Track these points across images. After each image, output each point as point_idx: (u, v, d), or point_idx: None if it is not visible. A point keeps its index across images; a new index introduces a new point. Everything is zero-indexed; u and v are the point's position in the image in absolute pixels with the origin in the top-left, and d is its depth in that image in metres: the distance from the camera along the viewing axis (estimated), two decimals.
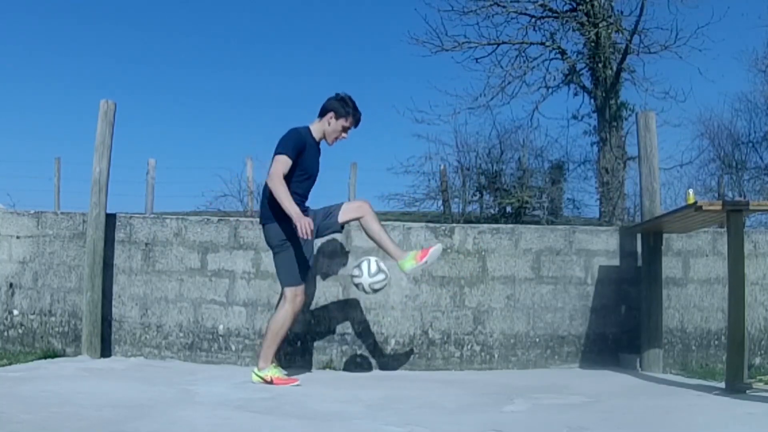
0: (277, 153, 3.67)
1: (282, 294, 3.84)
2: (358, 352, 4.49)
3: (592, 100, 12.98)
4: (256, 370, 3.75)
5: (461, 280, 4.54)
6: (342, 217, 3.84)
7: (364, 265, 3.69)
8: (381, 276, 3.67)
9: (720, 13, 17.69)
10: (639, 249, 4.53)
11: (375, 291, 3.75)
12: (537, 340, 4.54)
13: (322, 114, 3.92)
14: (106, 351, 4.48)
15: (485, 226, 4.79)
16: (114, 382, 3.63)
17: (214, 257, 4.57)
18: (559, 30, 12.91)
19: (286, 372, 3.84)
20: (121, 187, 10.77)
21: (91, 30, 31.45)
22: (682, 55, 11.98)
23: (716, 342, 4.58)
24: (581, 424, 2.72)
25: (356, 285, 3.75)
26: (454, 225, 4.79)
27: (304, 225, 3.50)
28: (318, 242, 4.56)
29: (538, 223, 10.64)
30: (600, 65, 12.58)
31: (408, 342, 4.48)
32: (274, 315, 3.85)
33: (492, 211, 12.26)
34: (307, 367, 4.43)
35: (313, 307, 4.49)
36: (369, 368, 4.46)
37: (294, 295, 3.73)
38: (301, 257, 3.79)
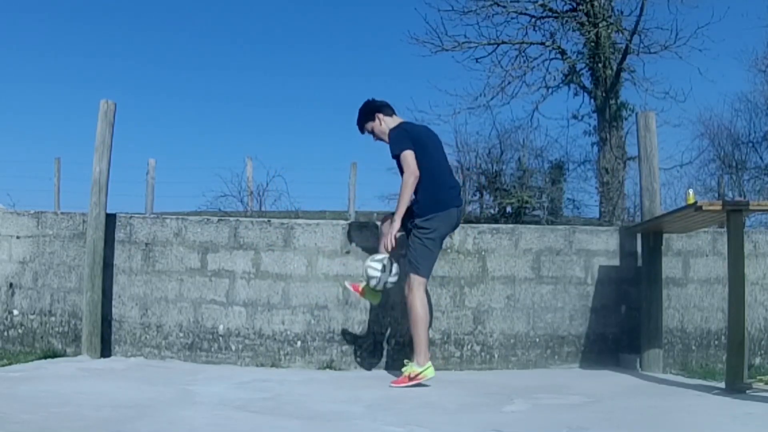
0: (394, 156, 3.91)
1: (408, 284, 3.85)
2: (358, 352, 4.49)
3: (592, 100, 12.99)
4: (415, 366, 3.74)
5: (461, 280, 4.54)
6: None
7: (387, 263, 3.89)
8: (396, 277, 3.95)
9: (720, 13, 17.79)
10: (639, 249, 4.53)
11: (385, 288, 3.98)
12: (537, 340, 4.54)
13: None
14: (106, 351, 4.48)
15: (485, 226, 4.78)
16: (114, 382, 3.63)
17: (214, 257, 4.57)
18: (559, 30, 12.94)
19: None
20: (121, 187, 10.77)
21: (91, 30, 31.47)
22: (682, 55, 12.02)
23: (716, 342, 4.58)
24: (581, 424, 2.72)
25: (370, 278, 3.91)
26: None
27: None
28: (318, 242, 4.56)
29: (538, 223, 10.65)
30: (600, 65, 12.59)
31: (408, 342, 4.46)
32: (411, 310, 3.81)
33: (492, 211, 12.27)
34: (307, 367, 4.43)
35: (313, 307, 4.49)
36: (369, 368, 4.45)
37: (420, 283, 3.80)
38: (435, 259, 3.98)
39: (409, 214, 3.86)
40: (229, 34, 33.47)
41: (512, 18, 12.65)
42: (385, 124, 4.01)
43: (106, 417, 2.71)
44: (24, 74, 30.78)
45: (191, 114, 31.60)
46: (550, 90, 13.04)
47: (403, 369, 3.79)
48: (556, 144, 13.31)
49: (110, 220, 4.56)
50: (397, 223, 3.80)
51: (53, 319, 4.62)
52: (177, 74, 32.31)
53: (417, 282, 3.79)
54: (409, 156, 3.77)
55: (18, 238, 4.70)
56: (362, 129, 4.10)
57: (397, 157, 3.83)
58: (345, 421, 2.79)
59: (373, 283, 3.92)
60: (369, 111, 4.05)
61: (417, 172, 3.75)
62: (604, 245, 4.63)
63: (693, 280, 4.63)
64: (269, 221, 4.67)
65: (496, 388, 3.71)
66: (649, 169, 4.49)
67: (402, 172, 3.82)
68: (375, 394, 3.47)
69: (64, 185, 12.60)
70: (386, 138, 3.97)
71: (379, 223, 4.52)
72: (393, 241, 3.82)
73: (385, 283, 3.91)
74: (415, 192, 3.81)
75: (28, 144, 27.79)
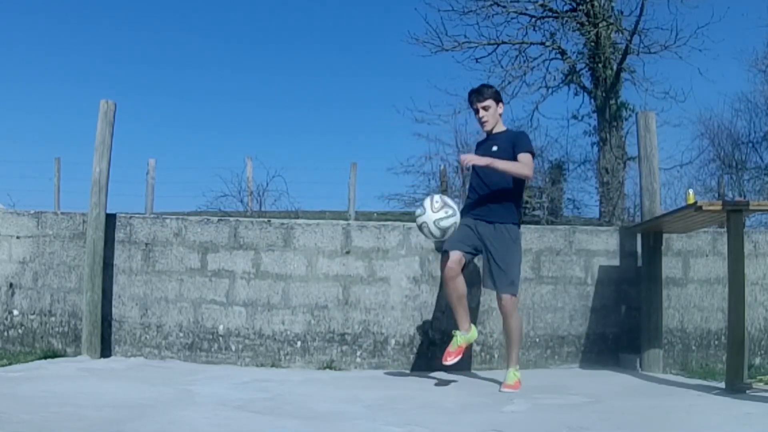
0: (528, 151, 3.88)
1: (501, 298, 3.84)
2: (358, 352, 4.49)
3: (592, 100, 12.98)
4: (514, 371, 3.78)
5: None
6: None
7: (427, 202, 3.63)
8: (447, 210, 3.57)
9: (720, 13, 17.73)
10: (639, 249, 4.53)
11: (442, 229, 3.57)
12: (537, 340, 4.54)
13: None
14: (106, 351, 4.48)
15: None
16: (114, 382, 3.63)
17: (214, 257, 4.57)
18: (559, 30, 12.92)
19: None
20: (121, 187, 10.77)
21: (91, 30, 31.47)
22: (682, 55, 12.00)
23: (716, 342, 4.58)
24: (581, 424, 2.73)
25: (420, 226, 3.63)
26: None
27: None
28: (318, 242, 4.56)
29: (538, 223, 10.64)
30: (600, 65, 12.58)
31: (408, 342, 4.48)
32: (509, 324, 3.85)
33: None
34: (307, 367, 4.43)
35: (313, 307, 4.49)
36: (369, 368, 4.45)
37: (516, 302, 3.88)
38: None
39: (486, 214, 3.87)
40: (229, 34, 33.48)
41: (512, 18, 12.64)
42: (499, 114, 4.09)
43: (106, 417, 2.71)
44: (24, 74, 30.80)
45: (191, 114, 31.62)
46: (550, 90, 13.04)
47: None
48: (556, 144, 13.29)
49: (110, 220, 4.56)
50: (493, 163, 3.77)
51: (53, 319, 4.62)
52: (177, 74, 32.33)
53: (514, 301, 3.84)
54: (532, 160, 3.88)
55: (18, 238, 4.70)
56: (484, 99, 4.02)
57: (529, 152, 3.86)
58: (345, 421, 2.79)
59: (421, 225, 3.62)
60: (499, 96, 4.12)
61: (532, 176, 3.80)
62: (604, 245, 4.63)
63: (693, 280, 4.63)
64: (269, 221, 4.67)
65: (496, 388, 3.71)
66: (649, 169, 4.49)
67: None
68: (375, 394, 3.47)
69: (64, 185, 12.60)
70: (489, 123, 4.04)
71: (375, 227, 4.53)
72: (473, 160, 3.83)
73: (435, 221, 3.55)
74: (505, 196, 3.86)
75: (28, 144, 27.79)
